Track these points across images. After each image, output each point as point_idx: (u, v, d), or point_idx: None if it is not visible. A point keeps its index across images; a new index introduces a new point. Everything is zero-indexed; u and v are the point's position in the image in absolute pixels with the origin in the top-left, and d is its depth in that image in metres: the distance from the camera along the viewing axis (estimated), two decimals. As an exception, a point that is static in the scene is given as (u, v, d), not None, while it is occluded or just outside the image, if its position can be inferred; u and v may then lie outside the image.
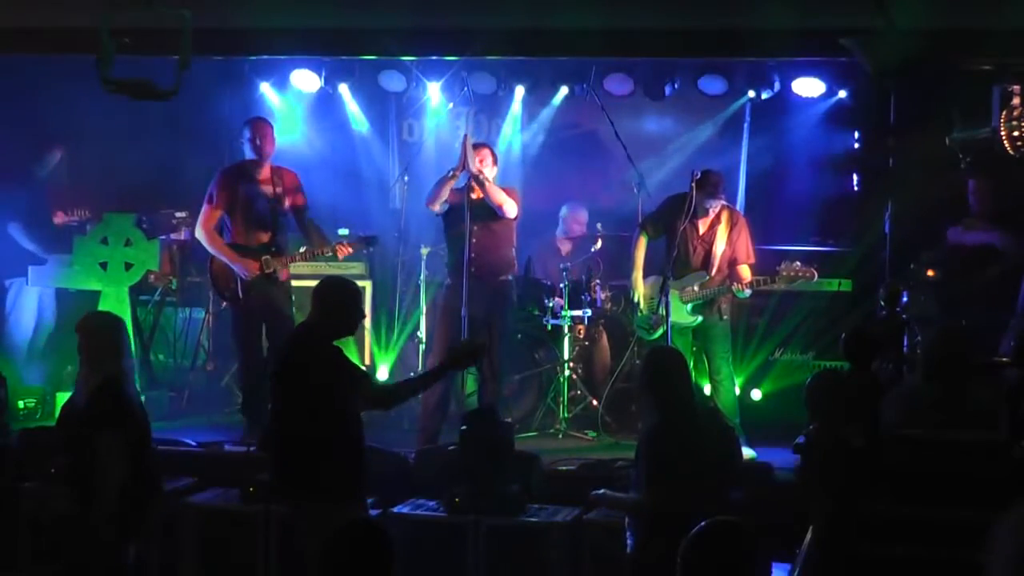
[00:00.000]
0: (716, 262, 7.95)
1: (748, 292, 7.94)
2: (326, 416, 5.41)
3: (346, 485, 5.46)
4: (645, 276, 8.19)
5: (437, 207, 7.97)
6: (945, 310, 7.99)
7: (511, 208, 7.93)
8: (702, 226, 7.99)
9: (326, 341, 5.54)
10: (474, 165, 7.78)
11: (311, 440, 5.42)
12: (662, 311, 7.79)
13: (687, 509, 4.89)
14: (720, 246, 7.95)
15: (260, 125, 8.09)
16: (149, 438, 5.85)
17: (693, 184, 7.81)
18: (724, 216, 7.98)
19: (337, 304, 5.60)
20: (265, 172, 8.04)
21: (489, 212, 7.93)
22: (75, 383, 6.05)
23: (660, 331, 7.91)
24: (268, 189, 7.99)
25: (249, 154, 8.02)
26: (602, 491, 5.70)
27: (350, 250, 8.08)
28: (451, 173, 7.81)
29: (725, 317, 8.02)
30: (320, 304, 5.63)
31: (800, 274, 7.79)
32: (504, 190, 7.99)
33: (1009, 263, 7.86)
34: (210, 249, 8.00)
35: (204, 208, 8.01)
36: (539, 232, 9.69)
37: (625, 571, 5.49)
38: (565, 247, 9.70)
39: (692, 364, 7.97)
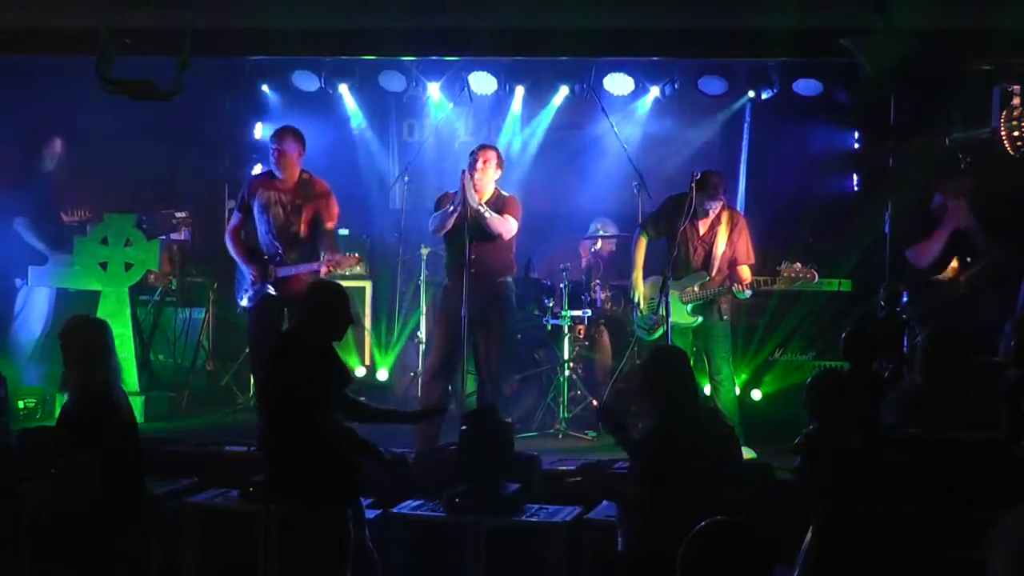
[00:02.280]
0: (716, 263, 7.95)
1: (749, 293, 7.94)
2: (311, 420, 5.40)
3: (336, 487, 5.46)
4: (646, 277, 8.19)
5: (442, 234, 8.00)
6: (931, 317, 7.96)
7: (510, 231, 7.94)
8: (702, 227, 7.99)
9: (312, 346, 5.51)
10: (473, 201, 7.74)
11: (299, 443, 5.41)
12: (662, 311, 7.79)
13: (682, 509, 4.90)
14: (720, 247, 7.95)
15: (278, 136, 7.95)
16: (134, 441, 5.84)
17: (693, 184, 7.82)
18: (724, 217, 7.99)
19: (323, 309, 5.58)
20: (288, 182, 7.91)
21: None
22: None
23: (660, 331, 7.91)
24: (287, 199, 7.89)
25: (274, 163, 7.92)
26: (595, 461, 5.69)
27: (328, 269, 7.82)
28: (452, 208, 7.79)
29: (725, 317, 8.02)
30: (306, 309, 5.62)
31: (801, 275, 7.78)
32: (505, 200, 7.99)
33: (988, 263, 7.86)
34: (230, 251, 8.04)
35: (234, 213, 8.13)
36: (540, 232, 9.67)
37: (618, 570, 5.50)
38: (585, 254, 9.72)
39: (692, 364, 7.97)
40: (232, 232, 8.05)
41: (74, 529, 5.62)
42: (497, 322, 7.96)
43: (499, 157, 8.01)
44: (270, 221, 7.88)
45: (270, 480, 5.70)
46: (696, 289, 7.95)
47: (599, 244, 9.55)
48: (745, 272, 7.94)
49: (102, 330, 5.91)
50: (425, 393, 7.95)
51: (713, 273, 7.95)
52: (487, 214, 7.78)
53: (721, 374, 7.97)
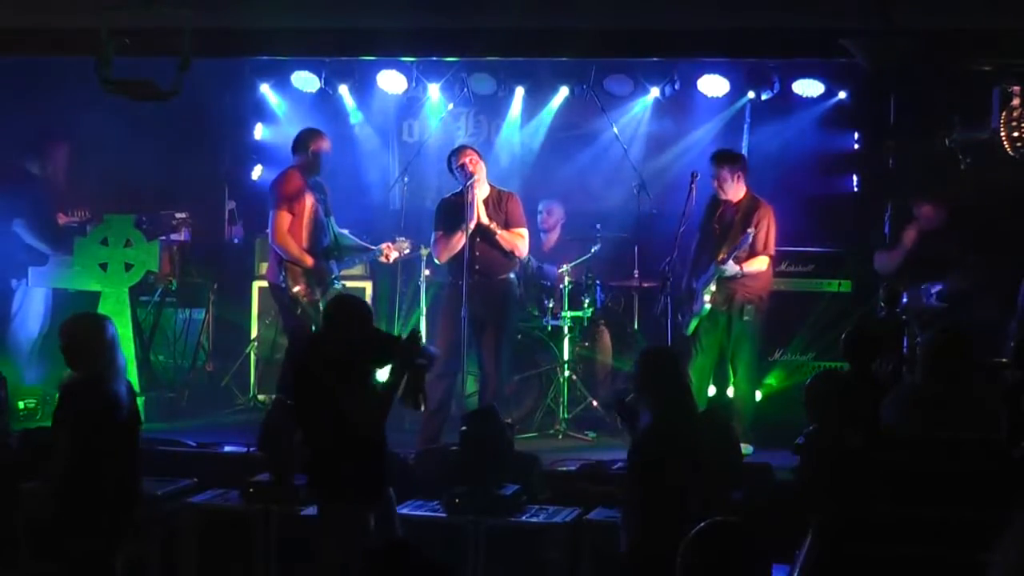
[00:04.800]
0: (726, 248, 7.91)
1: (727, 269, 7.86)
2: (340, 420, 5.47)
3: (362, 486, 5.55)
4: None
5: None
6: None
7: (522, 249, 8.11)
8: (724, 214, 8.01)
9: (335, 352, 5.58)
10: (484, 218, 7.91)
11: (327, 442, 5.53)
12: (687, 306, 7.87)
13: (680, 507, 4.90)
14: (734, 233, 7.91)
15: (326, 138, 8.16)
16: (132, 441, 5.83)
17: (693, 185, 7.89)
18: (744, 205, 7.99)
19: (344, 322, 5.66)
20: (316, 183, 8.10)
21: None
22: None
23: (692, 325, 7.95)
24: (321, 196, 8.07)
25: (314, 163, 8.03)
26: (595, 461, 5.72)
27: (397, 253, 8.31)
28: (462, 227, 7.89)
29: (746, 317, 7.95)
30: (329, 320, 5.75)
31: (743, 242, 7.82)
32: (506, 199, 8.10)
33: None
34: (290, 254, 7.86)
35: (277, 214, 7.88)
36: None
37: (619, 571, 5.50)
38: (547, 243, 9.70)
39: (715, 361, 7.99)
40: (288, 231, 7.90)
41: (67, 529, 5.60)
42: (501, 319, 8.01)
43: (477, 152, 8.11)
44: (320, 219, 8.00)
45: (306, 477, 5.81)
46: (711, 272, 7.94)
47: (599, 244, 9.52)
48: (759, 262, 7.91)
49: (100, 326, 5.90)
50: (428, 392, 7.97)
51: (720, 256, 7.89)
52: (499, 232, 7.94)
53: (737, 375, 7.97)
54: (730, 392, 8.08)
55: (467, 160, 7.91)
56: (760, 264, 7.95)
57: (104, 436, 5.60)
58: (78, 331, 5.79)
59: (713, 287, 7.92)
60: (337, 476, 5.54)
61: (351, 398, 5.50)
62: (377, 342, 5.76)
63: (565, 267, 8.88)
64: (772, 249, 8.02)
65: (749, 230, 7.82)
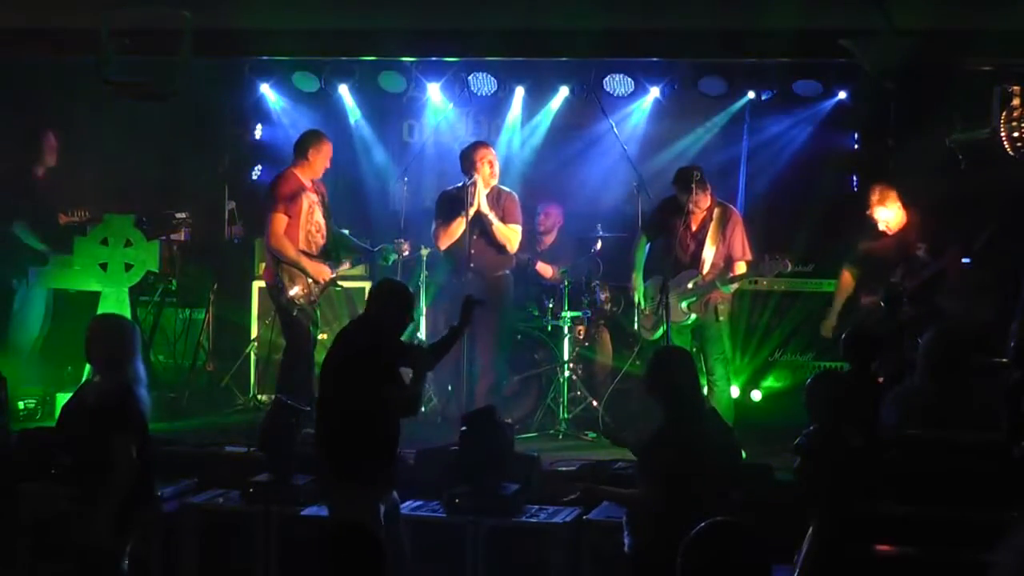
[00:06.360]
0: (707, 259, 7.97)
1: (732, 287, 7.94)
2: (362, 404, 5.63)
3: (376, 472, 5.68)
4: (648, 278, 8.23)
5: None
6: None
7: (513, 244, 8.19)
8: (694, 223, 8.04)
9: (375, 335, 5.74)
10: (486, 209, 8.01)
11: (344, 424, 5.68)
12: (662, 312, 7.82)
13: (687, 510, 4.90)
14: (711, 243, 7.98)
15: (328, 141, 8.16)
16: (148, 441, 5.86)
17: (694, 185, 7.90)
18: (716, 213, 8.05)
19: (388, 304, 5.87)
20: (315, 184, 8.08)
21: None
22: (80, 384, 6.05)
23: (660, 331, 7.93)
24: (318, 198, 8.03)
25: (314, 165, 8.04)
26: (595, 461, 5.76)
27: (396, 255, 8.38)
28: (461, 214, 7.97)
29: (721, 319, 8.02)
30: (374, 302, 5.92)
31: (774, 266, 7.80)
32: (505, 197, 8.20)
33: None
34: (287, 256, 7.85)
35: (273, 216, 7.85)
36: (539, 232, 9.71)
37: (624, 572, 5.50)
38: (543, 244, 9.72)
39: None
40: (284, 234, 7.89)
41: (79, 530, 5.60)
42: (497, 315, 8.08)
43: (494, 152, 8.23)
44: (317, 221, 7.99)
45: (316, 456, 5.92)
46: (689, 286, 7.98)
47: (599, 244, 9.53)
48: (740, 268, 7.96)
49: (131, 330, 5.93)
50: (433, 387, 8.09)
51: (704, 269, 7.97)
52: (495, 223, 8.01)
53: (715, 374, 7.99)
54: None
55: (487, 159, 8.00)
56: (743, 269, 8.01)
57: (143, 441, 5.65)
58: (111, 335, 5.77)
59: (694, 298, 7.95)
60: (355, 458, 5.65)
61: (394, 381, 5.69)
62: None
63: (559, 270, 8.91)
64: (749, 253, 8.04)
65: (788, 258, 7.88)
